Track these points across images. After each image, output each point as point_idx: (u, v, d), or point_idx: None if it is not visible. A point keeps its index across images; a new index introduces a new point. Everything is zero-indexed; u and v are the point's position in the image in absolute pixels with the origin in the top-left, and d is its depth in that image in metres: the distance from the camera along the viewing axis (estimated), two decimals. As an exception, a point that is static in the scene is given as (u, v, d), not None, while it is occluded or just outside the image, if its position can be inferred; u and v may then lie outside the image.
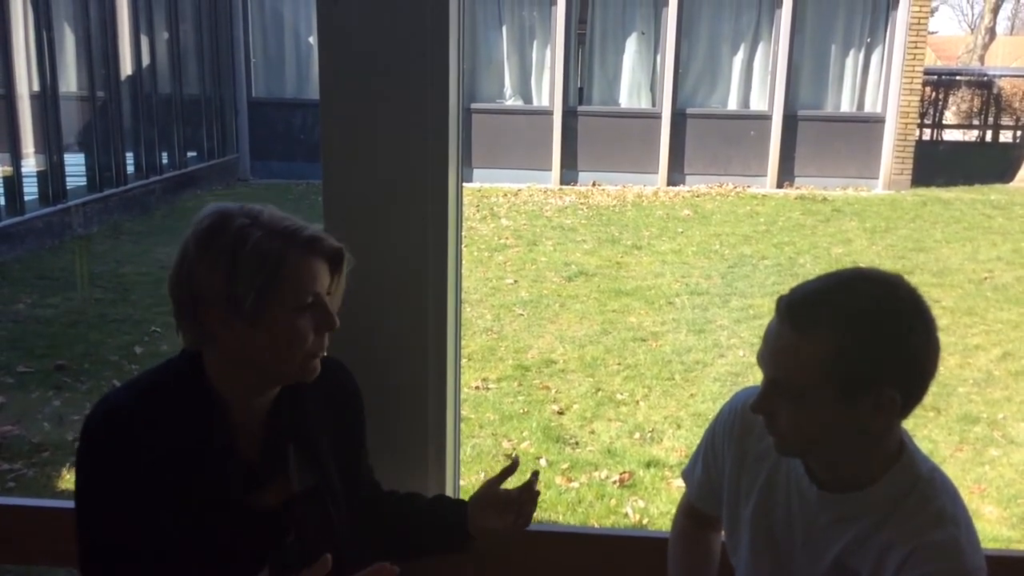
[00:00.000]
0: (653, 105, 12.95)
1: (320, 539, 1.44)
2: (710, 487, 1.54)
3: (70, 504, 1.40)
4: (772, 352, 1.28)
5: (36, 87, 8.67)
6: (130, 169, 10.36)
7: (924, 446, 1.31)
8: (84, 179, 9.53)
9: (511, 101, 13.21)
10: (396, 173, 1.70)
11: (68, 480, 3.90)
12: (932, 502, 1.28)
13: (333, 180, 1.72)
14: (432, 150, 1.70)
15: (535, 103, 13.15)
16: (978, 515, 3.89)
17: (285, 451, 1.43)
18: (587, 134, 12.89)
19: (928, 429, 4.65)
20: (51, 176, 8.77)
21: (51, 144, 8.77)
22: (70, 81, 9.54)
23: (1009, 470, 4.35)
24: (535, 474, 1.55)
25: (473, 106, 12.69)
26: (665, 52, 12.68)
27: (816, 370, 1.23)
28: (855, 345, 1.22)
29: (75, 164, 9.36)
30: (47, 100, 8.71)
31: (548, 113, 12.91)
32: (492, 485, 1.56)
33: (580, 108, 13.01)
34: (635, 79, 13.09)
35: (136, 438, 1.33)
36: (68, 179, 9.05)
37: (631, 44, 13.01)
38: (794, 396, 1.26)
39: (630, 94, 13.13)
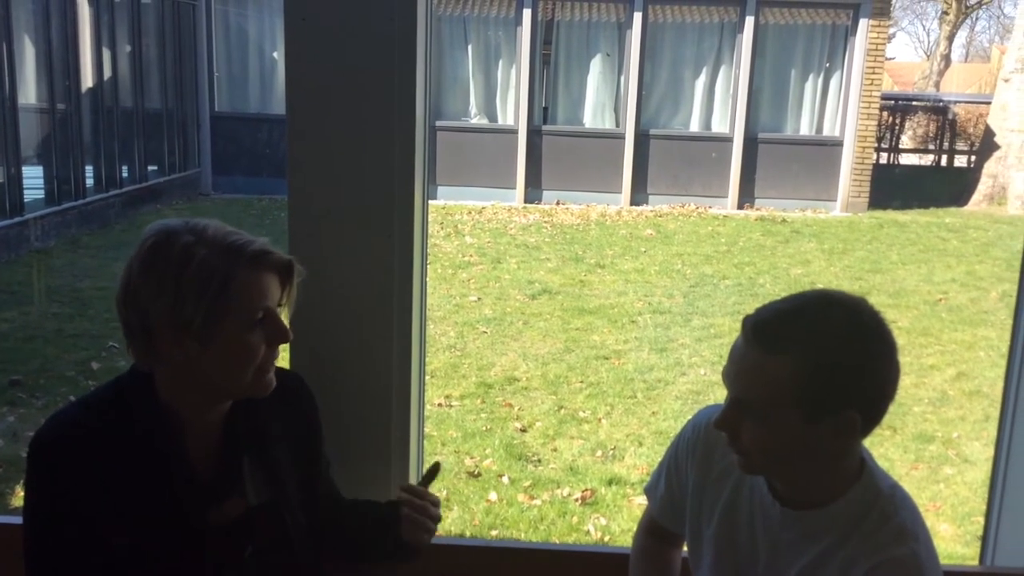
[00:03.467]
0: (617, 126, 13.06)
1: (278, 553, 1.43)
2: (672, 504, 1.55)
3: (21, 520, 1.38)
4: (737, 371, 1.29)
5: (-6, 98, 8.55)
6: (89, 182, 10.22)
7: (880, 464, 1.34)
8: (42, 192, 9.38)
9: (476, 119, 13.25)
10: (362, 190, 1.70)
11: (22, 497, 3.79)
12: (892, 518, 1.31)
13: (299, 196, 1.72)
14: (399, 167, 1.71)
15: (500, 122, 13.20)
16: (933, 533, 3.93)
17: (240, 465, 1.42)
18: (551, 153, 12.96)
19: (884, 448, 4.71)
20: (8, 189, 8.62)
21: (9, 156, 8.62)
22: (29, 93, 9.40)
23: (963, 488, 4.42)
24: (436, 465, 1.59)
25: (438, 124, 12.71)
26: (629, 74, 12.80)
27: (780, 391, 1.25)
28: (820, 368, 1.24)
29: (33, 177, 9.20)
30: (5, 112, 8.57)
31: (513, 132, 12.97)
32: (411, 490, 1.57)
33: (545, 127, 13.08)
34: (599, 100, 13.20)
35: (86, 455, 1.31)
36: (26, 192, 8.89)
37: (595, 65, 13.13)
38: (757, 415, 1.27)
39: (594, 114, 13.23)
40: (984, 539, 1.95)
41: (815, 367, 1.23)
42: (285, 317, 1.38)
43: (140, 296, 1.28)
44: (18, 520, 1.37)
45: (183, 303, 1.26)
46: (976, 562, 2.16)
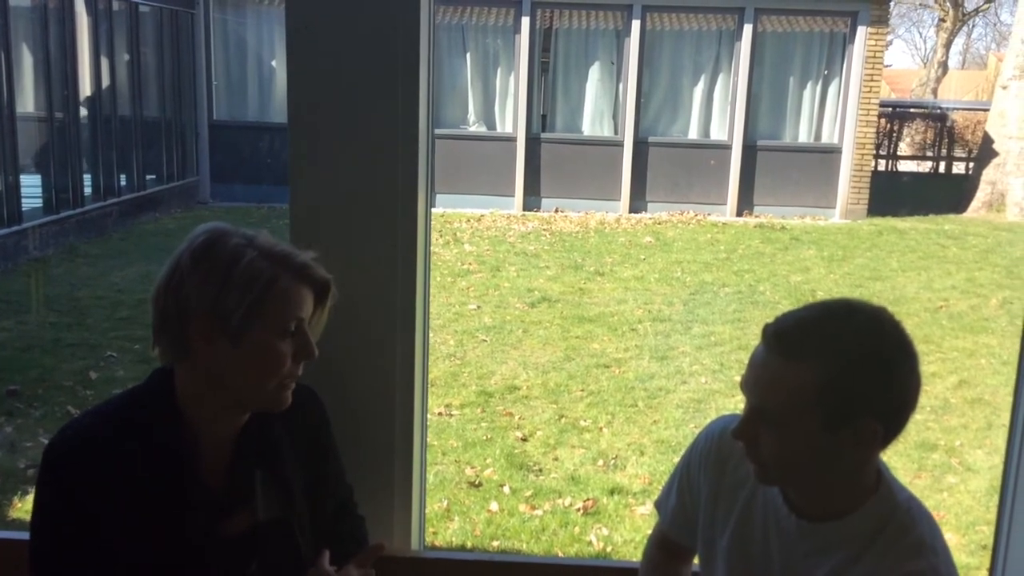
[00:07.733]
0: (615, 133, 13.06)
1: (284, 569, 1.42)
2: (685, 516, 1.52)
3: (22, 535, 1.36)
4: (756, 379, 1.27)
5: (-8, 107, 8.54)
6: (87, 191, 10.19)
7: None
8: (40, 201, 9.37)
9: (475, 127, 13.25)
10: (365, 198, 1.69)
11: (20, 509, 3.79)
12: (911, 532, 1.29)
13: (301, 204, 1.70)
14: (402, 175, 1.70)
15: (498, 129, 13.20)
16: (937, 542, 3.92)
17: (252, 479, 1.41)
18: (550, 161, 12.95)
19: (886, 456, 4.64)
20: (6, 197, 8.60)
21: (6, 165, 8.60)
22: (27, 102, 9.39)
23: (967, 497, 4.40)
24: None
25: (436, 132, 12.63)
26: (627, 81, 12.81)
27: (800, 399, 1.23)
28: (840, 376, 1.22)
29: (31, 185, 9.19)
30: (3, 120, 8.56)
31: (511, 140, 12.96)
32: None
33: (543, 135, 13.08)
34: (598, 107, 13.21)
35: (98, 464, 1.30)
36: (24, 201, 8.88)
37: (594, 73, 13.14)
38: (776, 423, 1.25)
39: (593, 122, 13.23)
40: (994, 551, 1.92)
41: (835, 375, 1.21)
42: (314, 337, 1.41)
43: (185, 284, 1.31)
44: (18, 535, 1.35)
45: (228, 294, 1.29)
46: (985, 574, 2.14)
